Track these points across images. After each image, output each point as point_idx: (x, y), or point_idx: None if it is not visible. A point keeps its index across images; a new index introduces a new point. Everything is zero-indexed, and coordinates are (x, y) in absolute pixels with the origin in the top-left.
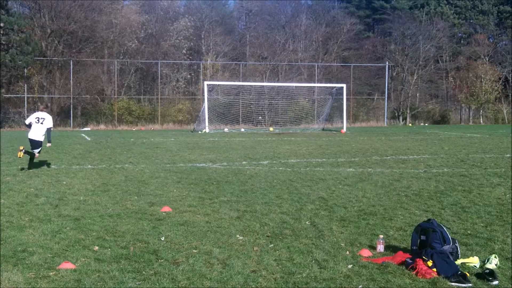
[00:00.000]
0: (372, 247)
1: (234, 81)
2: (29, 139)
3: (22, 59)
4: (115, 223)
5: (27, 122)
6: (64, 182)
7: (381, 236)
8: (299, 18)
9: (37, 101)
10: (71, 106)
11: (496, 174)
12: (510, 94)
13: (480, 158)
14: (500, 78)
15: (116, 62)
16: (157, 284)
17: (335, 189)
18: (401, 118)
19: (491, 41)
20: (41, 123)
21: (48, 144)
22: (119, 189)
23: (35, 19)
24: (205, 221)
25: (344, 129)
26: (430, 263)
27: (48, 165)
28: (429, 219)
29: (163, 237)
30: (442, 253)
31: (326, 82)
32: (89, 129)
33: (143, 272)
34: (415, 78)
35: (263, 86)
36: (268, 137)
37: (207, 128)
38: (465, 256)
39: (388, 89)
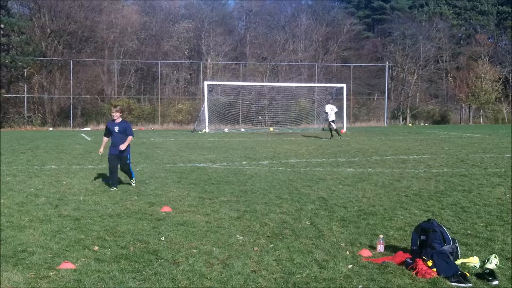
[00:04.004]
0: (372, 247)
1: (234, 81)
2: None
3: (22, 60)
4: (115, 223)
5: None
6: (64, 182)
7: (381, 236)
8: (299, 18)
9: (37, 101)
10: (71, 106)
11: (496, 174)
12: (510, 94)
13: (480, 158)
14: (500, 78)
15: (116, 62)
16: (157, 284)
17: (335, 189)
18: (401, 118)
19: (491, 41)
20: None
21: None
22: (119, 189)
23: (35, 19)
24: (205, 221)
25: (344, 129)
26: (430, 263)
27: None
28: (429, 219)
29: (163, 237)
30: (442, 253)
31: (326, 82)
32: (89, 129)
33: (143, 272)
34: (415, 78)
35: (263, 86)
36: (268, 137)
37: (207, 128)
38: (465, 256)
39: (388, 89)
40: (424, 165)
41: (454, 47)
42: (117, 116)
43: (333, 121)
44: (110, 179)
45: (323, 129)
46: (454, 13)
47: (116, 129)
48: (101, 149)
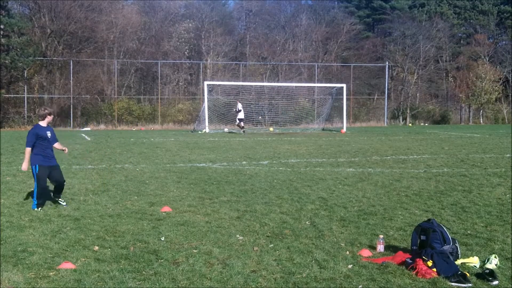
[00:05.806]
0: (372, 247)
1: (234, 81)
2: None
3: (22, 61)
4: (115, 223)
5: None
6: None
7: (381, 236)
8: (299, 18)
9: (37, 101)
10: (71, 106)
11: (496, 174)
12: (510, 94)
13: (480, 158)
14: (500, 78)
15: (116, 62)
16: (157, 284)
17: (335, 189)
18: (401, 118)
19: (491, 41)
20: None
21: None
22: (119, 189)
23: (35, 19)
24: (205, 221)
25: (344, 129)
26: (430, 263)
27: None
28: (429, 219)
29: (163, 237)
30: (442, 253)
31: (326, 82)
32: (89, 129)
33: (143, 272)
34: (415, 78)
35: (263, 86)
36: (268, 137)
37: (207, 128)
38: (465, 256)
39: (388, 89)
40: (424, 165)
41: (454, 46)
42: (50, 120)
43: (241, 119)
44: (42, 198)
45: (323, 129)
46: (455, 12)
47: (49, 134)
48: (26, 164)
